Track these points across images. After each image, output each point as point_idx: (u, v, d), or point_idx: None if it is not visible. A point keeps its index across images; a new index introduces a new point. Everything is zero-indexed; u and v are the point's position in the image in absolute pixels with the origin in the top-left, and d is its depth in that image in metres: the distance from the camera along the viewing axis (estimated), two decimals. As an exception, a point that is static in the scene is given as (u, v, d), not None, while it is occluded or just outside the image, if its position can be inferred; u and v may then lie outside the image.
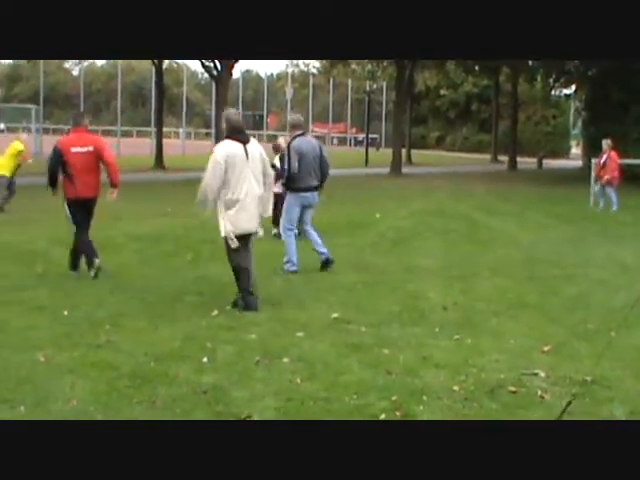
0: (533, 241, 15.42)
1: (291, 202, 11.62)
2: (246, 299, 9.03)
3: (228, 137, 9.01)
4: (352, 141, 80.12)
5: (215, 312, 8.71)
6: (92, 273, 10.66)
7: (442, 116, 78.28)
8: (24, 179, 20.46)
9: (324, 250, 11.62)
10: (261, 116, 74.99)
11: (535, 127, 67.90)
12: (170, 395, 6.05)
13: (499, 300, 9.75)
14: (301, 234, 11.90)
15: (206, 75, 55.57)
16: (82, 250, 10.96)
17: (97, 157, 10.95)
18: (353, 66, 65.77)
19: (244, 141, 8.99)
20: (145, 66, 74.59)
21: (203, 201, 8.95)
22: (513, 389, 6.33)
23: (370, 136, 56.95)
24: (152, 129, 53.08)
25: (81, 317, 8.48)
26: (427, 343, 7.68)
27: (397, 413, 5.76)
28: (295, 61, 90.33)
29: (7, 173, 19.11)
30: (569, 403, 5.84)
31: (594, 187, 23.09)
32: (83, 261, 10.88)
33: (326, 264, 11.59)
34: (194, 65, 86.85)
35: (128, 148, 50.39)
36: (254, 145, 9.13)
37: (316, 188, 11.72)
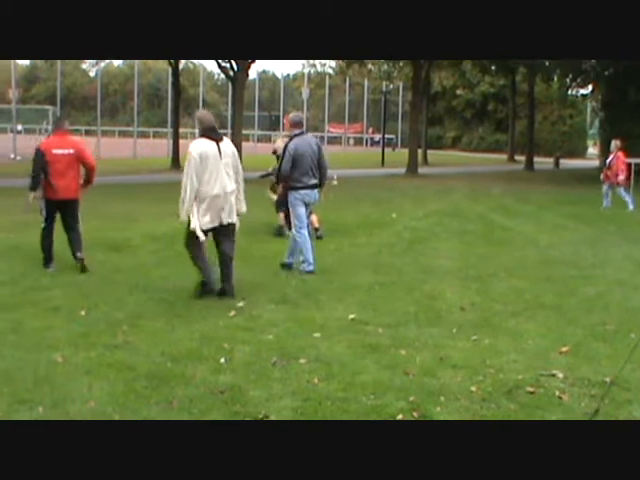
0: (550, 242, 15.37)
1: (293, 202, 11.61)
2: (207, 285, 9.60)
3: (202, 136, 9.52)
4: (368, 141, 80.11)
5: (232, 312, 8.71)
6: (49, 268, 11.25)
7: (458, 116, 78.20)
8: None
9: (308, 268, 11.41)
10: (277, 117, 74.89)
11: (552, 127, 67.82)
12: (187, 395, 6.06)
13: (516, 301, 9.72)
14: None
15: (222, 76, 55.69)
16: (43, 245, 11.43)
17: (78, 159, 11.37)
18: (369, 66, 65.74)
19: (217, 139, 9.53)
20: (161, 67, 74.88)
21: (184, 199, 9.32)
22: (531, 390, 6.31)
23: (386, 136, 56.93)
24: (168, 130, 53.17)
25: (98, 317, 8.49)
26: (444, 344, 7.66)
27: (414, 414, 5.75)
28: (311, 62, 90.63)
29: None
30: (597, 411, 5.78)
31: (604, 187, 23.13)
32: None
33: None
34: (210, 66, 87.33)
35: (145, 149, 50.59)
36: (227, 143, 9.67)
37: (315, 186, 11.65)
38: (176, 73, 41.95)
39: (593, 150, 69.38)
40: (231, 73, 35.13)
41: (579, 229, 17.74)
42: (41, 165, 11.16)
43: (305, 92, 72.09)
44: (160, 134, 66.34)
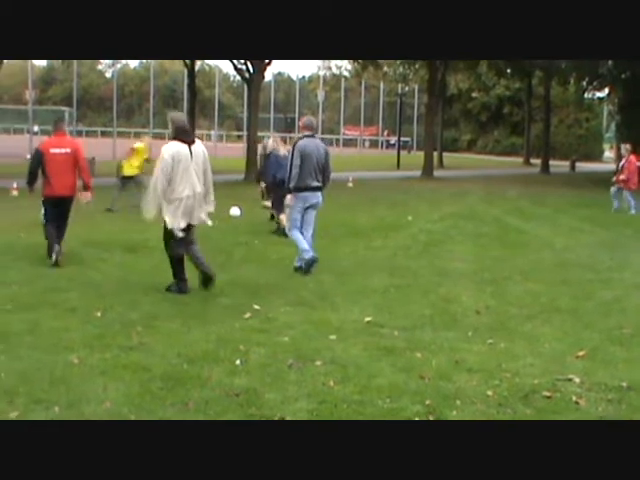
0: (566, 245, 15.31)
1: (294, 203, 11.71)
2: (179, 285, 9.88)
3: (174, 138, 9.75)
4: (384, 144, 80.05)
5: (248, 314, 8.71)
6: (53, 258, 11.50)
7: (474, 119, 77.99)
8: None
9: (307, 255, 11.48)
10: (292, 119, 74.93)
11: (568, 130, 67.61)
12: (203, 397, 6.05)
13: (532, 304, 9.69)
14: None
15: (238, 77, 55.72)
16: (47, 236, 11.99)
17: (74, 159, 12.02)
18: (385, 69, 65.67)
19: (189, 142, 9.77)
20: (177, 68, 75.00)
21: (152, 199, 9.67)
22: (547, 394, 6.28)
23: (402, 139, 56.88)
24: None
25: (113, 318, 8.50)
26: (460, 347, 7.64)
27: (430, 417, 5.73)
28: (327, 64, 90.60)
29: (132, 172, 19.59)
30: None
31: (612, 189, 23.18)
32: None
33: (296, 270, 11.53)
34: (226, 67, 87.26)
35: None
36: (198, 146, 9.90)
37: (318, 189, 11.72)
38: (192, 75, 41.99)
39: (609, 154, 69.06)
40: (247, 75, 35.15)
41: (595, 232, 17.67)
42: (38, 163, 11.91)
43: (320, 94, 72.16)
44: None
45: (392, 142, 73.23)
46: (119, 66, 71.88)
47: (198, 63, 50.00)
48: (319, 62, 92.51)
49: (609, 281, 11.34)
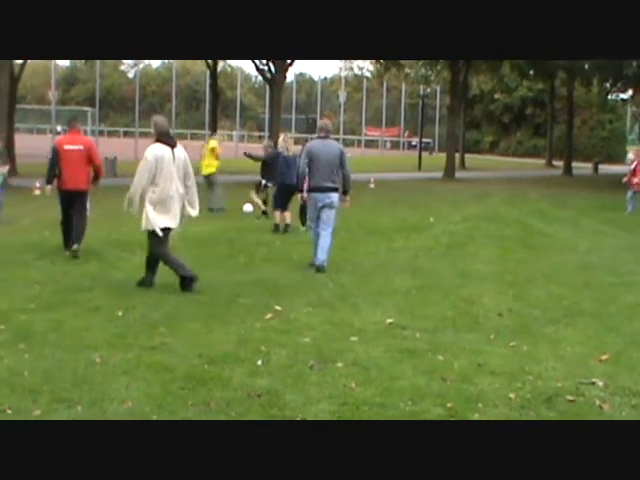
0: (589, 248, 15.22)
1: (309, 202, 12.01)
2: (147, 279, 10.16)
3: (157, 140, 10.01)
4: (405, 145, 79.94)
5: (269, 315, 8.71)
6: (67, 253, 12.30)
7: (496, 120, 77.65)
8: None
9: (320, 257, 11.66)
10: (314, 119, 74.96)
11: (591, 132, 67.31)
12: (224, 398, 6.05)
13: (555, 307, 9.64)
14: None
15: (260, 78, 55.74)
16: (63, 232, 12.73)
17: (87, 155, 12.68)
18: (406, 70, 65.58)
19: (171, 145, 10.03)
20: (199, 69, 75.18)
21: (132, 199, 9.91)
22: (571, 398, 6.24)
23: (423, 140, 56.78)
24: (206, 132, 53.38)
25: (136, 318, 8.53)
26: (482, 350, 7.61)
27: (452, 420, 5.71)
28: (348, 64, 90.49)
29: (210, 171, 20.62)
30: None
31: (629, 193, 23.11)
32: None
33: (316, 269, 11.61)
34: (248, 68, 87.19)
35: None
36: (180, 149, 10.14)
37: (330, 190, 11.75)
38: (214, 75, 42.11)
39: (632, 155, 68.69)
40: (269, 75, 35.19)
41: (618, 235, 17.58)
42: (56, 160, 12.62)
43: (342, 95, 72.12)
44: (198, 136, 66.61)
45: (413, 143, 73.16)
46: (141, 66, 72.05)
47: (220, 64, 50.14)
48: (341, 63, 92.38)
49: (632, 284, 11.27)
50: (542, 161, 60.02)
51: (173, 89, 57.25)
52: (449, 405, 5.98)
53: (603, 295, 10.44)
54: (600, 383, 6.62)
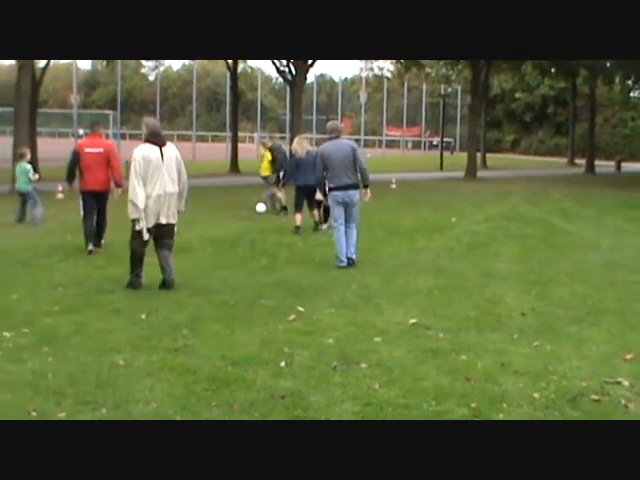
0: (612, 246, 15.13)
1: (331, 202, 12.33)
2: (134, 281, 10.26)
3: (146, 141, 10.14)
4: (426, 145, 79.79)
5: (292, 316, 8.71)
6: (87, 250, 13.00)
7: (517, 119, 77.31)
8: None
9: (347, 256, 12.03)
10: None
11: (613, 130, 66.90)
12: (248, 399, 6.06)
13: (578, 306, 9.58)
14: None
15: (280, 80, 55.85)
16: (85, 230, 13.25)
17: (106, 158, 13.25)
18: (427, 69, 65.51)
19: (160, 144, 10.15)
20: (220, 71, 75.41)
21: (135, 202, 9.92)
22: (596, 397, 6.20)
23: (445, 140, 56.66)
24: (227, 134, 53.52)
25: (159, 321, 8.56)
26: (506, 349, 7.58)
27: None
28: (369, 65, 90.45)
29: (267, 172, 20.61)
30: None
31: None
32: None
33: (348, 263, 12.00)
34: (268, 70, 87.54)
35: (203, 153, 50.93)
36: (170, 148, 10.28)
37: (349, 187, 12.08)
38: (234, 77, 42.21)
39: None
40: (289, 77, 35.26)
41: (642, 233, 17.45)
42: (75, 161, 13.30)
43: (363, 96, 72.11)
44: (219, 138, 66.80)
45: (435, 143, 72.97)
46: (162, 69, 72.50)
47: (240, 65, 50.22)
48: (361, 63, 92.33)
49: (656, 283, 11.19)
50: (564, 160, 59.70)
51: (194, 91, 57.43)
52: (473, 405, 5.96)
53: (627, 293, 10.37)
54: (625, 382, 6.57)
